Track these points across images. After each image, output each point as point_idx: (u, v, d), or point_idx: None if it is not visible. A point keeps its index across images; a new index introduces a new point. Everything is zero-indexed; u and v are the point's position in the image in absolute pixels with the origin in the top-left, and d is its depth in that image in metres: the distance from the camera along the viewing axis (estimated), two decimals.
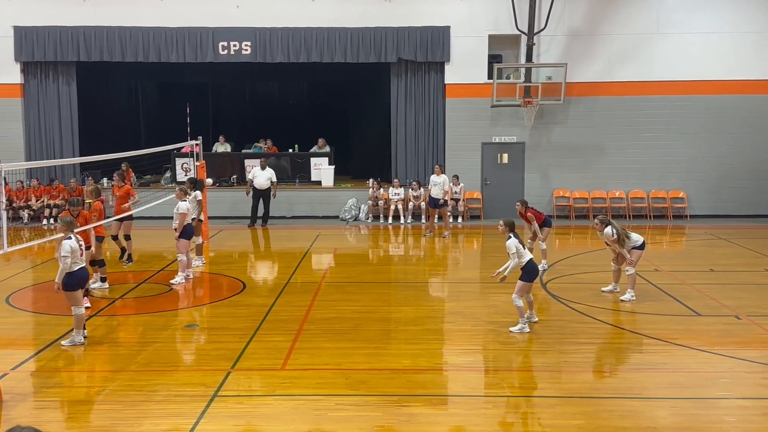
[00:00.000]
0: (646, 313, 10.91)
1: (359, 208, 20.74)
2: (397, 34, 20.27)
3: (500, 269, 10.06)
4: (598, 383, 8.21)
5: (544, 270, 13.60)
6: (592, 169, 20.82)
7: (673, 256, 16.56)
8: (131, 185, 14.71)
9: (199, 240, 14.48)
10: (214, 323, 10.71)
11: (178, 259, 12.92)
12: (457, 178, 20.00)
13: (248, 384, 8.14)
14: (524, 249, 9.92)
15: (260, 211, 19.51)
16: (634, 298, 11.55)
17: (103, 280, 12.45)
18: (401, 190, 20.36)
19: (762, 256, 15.43)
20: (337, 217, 20.77)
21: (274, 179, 19.50)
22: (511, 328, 9.89)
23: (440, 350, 9.46)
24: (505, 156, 20.94)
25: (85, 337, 9.46)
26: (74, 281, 9.27)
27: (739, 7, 20.17)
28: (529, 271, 9.86)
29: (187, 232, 12.87)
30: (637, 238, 11.67)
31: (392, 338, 9.81)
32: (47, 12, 20.29)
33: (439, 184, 18.19)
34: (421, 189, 20.13)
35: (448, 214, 18.87)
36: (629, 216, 20.72)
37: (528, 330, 9.88)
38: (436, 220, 18.93)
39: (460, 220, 20.36)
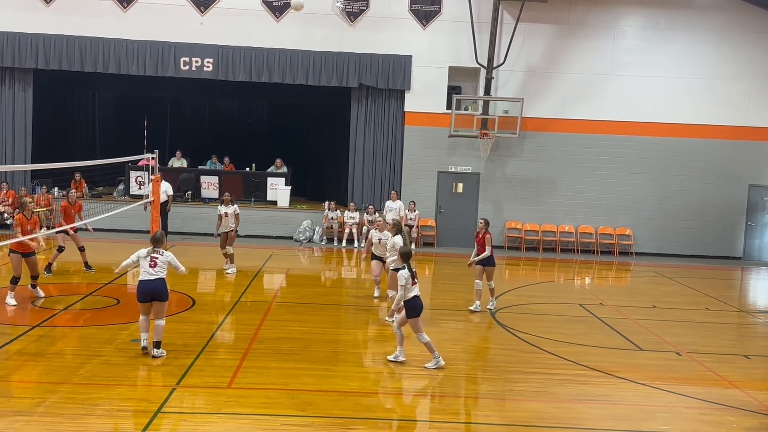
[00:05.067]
0: (590, 346, 11.15)
1: (314, 230, 20.73)
2: (360, 60, 20.50)
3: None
4: (542, 413, 8.34)
5: (491, 309, 13.10)
6: (543, 203, 21.24)
7: (618, 291, 16.95)
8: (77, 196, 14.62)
9: (230, 250, 15.48)
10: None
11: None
12: (414, 204, 20.18)
13: (192, 401, 8.05)
14: (414, 285, 9.35)
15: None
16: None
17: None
18: (356, 214, 20.45)
19: (703, 295, 15.91)
20: (291, 237, 20.73)
21: (170, 192, 19.29)
22: (426, 365, 9.51)
23: (388, 374, 9.49)
24: (461, 185, 21.23)
25: None
26: None
27: (690, 54, 20.94)
28: (411, 308, 9.35)
29: None
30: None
31: (341, 360, 9.83)
32: (6, 17, 19.97)
33: (395, 210, 18.39)
34: (376, 213, 20.23)
35: None
36: (577, 250, 21.15)
37: (443, 363, 9.49)
38: None
39: (413, 246, 20.48)
